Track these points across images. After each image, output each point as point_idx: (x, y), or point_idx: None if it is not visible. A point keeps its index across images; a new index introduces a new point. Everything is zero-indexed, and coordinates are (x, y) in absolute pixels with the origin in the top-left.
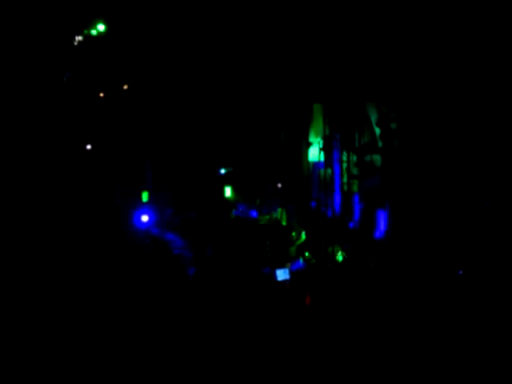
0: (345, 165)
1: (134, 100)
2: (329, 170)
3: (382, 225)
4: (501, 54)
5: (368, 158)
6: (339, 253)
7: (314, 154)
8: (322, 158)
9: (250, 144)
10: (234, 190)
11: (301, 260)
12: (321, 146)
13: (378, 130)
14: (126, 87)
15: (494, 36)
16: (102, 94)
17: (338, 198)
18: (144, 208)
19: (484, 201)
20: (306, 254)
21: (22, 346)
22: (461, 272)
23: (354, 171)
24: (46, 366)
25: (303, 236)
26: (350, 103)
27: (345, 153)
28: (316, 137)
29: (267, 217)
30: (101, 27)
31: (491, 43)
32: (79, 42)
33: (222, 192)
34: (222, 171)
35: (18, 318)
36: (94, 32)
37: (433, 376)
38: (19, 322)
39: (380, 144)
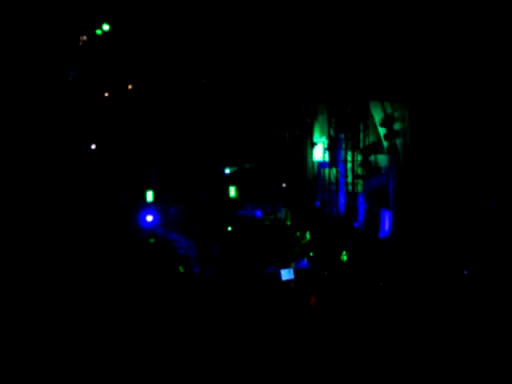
0: (349, 164)
1: (138, 99)
2: (333, 170)
3: (386, 224)
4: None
5: (372, 157)
6: (344, 252)
7: (319, 153)
8: (327, 158)
9: (254, 144)
10: (239, 189)
11: (305, 260)
12: (325, 145)
13: (382, 130)
14: (130, 87)
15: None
16: (106, 94)
17: (342, 198)
18: (149, 208)
19: (489, 200)
20: (311, 254)
21: (24, 342)
22: (466, 272)
23: (359, 171)
24: (46, 363)
25: (308, 236)
26: (355, 103)
27: (349, 152)
28: (320, 136)
29: (272, 216)
30: (106, 27)
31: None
32: (84, 41)
33: (227, 192)
34: (227, 171)
35: (24, 311)
36: (99, 32)
37: (437, 375)
38: (24, 315)
39: (385, 144)
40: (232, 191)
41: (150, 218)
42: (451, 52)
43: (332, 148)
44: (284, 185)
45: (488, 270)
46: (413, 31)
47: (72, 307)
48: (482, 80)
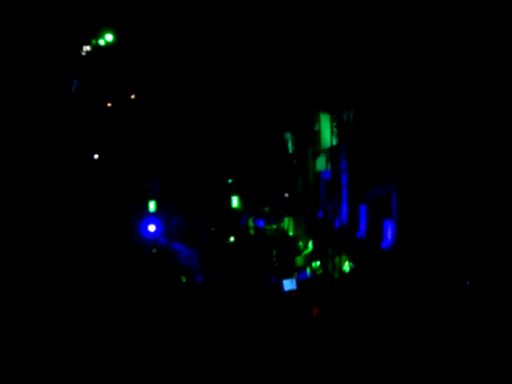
0: (352, 174)
1: (142, 110)
2: (336, 180)
3: (389, 235)
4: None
5: (375, 167)
6: (346, 263)
7: (322, 163)
8: (330, 168)
9: (257, 154)
10: (241, 199)
11: (308, 270)
12: (328, 155)
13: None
14: (133, 97)
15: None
16: (109, 104)
17: (345, 208)
18: (151, 218)
19: (493, 210)
20: (313, 264)
21: (23, 347)
22: (469, 283)
23: (362, 181)
24: (45, 367)
25: (310, 246)
26: (358, 112)
27: (352, 162)
28: (323, 146)
29: (274, 226)
30: (109, 37)
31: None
32: (87, 52)
33: (229, 202)
34: (230, 181)
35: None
36: (101, 42)
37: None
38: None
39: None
40: (235, 201)
41: (152, 228)
42: (451, 63)
43: (335, 158)
44: (286, 195)
45: (492, 280)
46: (414, 41)
47: (73, 315)
48: (484, 86)
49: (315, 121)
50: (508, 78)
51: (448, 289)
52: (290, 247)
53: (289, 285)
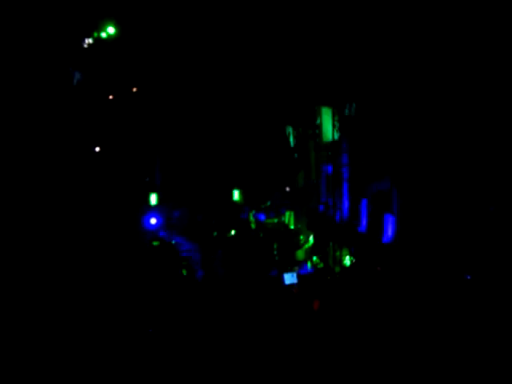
0: (353, 168)
1: (143, 103)
2: (337, 174)
3: (389, 229)
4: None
5: (377, 161)
6: (347, 257)
7: (323, 157)
8: (331, 162)
9: (258, 147)
10: (242, 193)
11: (308, 264)
12: (329, 148)
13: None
14: (135, 90)
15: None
16: (111, 97)
17: (346, 202)
18: (152, 211)
19: (491, 205)
20: (314, 258)
21: (23, 346)
22: (469, 277)
23: (363, 175)
24: (45, 367)
25: (311, 240)
26: (359, 105)
27: (353, 156)
28: (325, 140)
29: (275, 220)
30: (111, 30)
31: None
32: (89, 44)
33: (231, 195)
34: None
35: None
36: (103, 35)
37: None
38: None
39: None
40: (236, 195)
41: (153, 221)
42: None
43: (336, 151)
44: (287, 189)
45: (492, 274)
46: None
47: (74, 309)
48: (484, 80)
49: (317, 115)
50: (508, 74)
51: (448, 283)
52: (290, 241)
53: (289, 278)
